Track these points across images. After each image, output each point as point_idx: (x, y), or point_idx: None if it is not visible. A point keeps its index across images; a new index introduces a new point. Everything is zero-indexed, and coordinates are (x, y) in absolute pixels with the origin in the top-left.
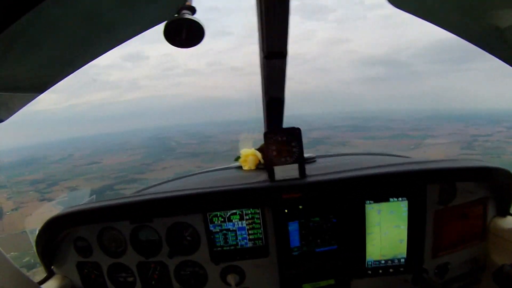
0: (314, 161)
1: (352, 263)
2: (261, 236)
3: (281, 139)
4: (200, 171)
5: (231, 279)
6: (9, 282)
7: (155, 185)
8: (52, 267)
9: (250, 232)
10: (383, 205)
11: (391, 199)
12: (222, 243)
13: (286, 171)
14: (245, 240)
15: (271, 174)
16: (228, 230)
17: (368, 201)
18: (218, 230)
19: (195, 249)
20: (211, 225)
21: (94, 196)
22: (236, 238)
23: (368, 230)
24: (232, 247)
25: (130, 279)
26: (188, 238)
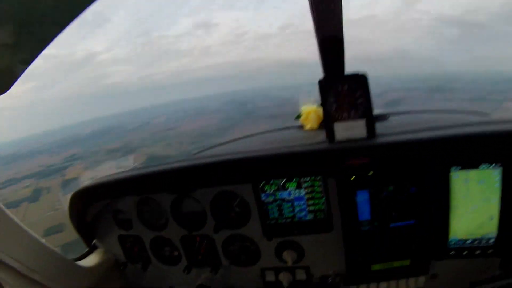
0: (387, 118)
1: (433, 241)
2: (323, 207)
3: (342, 88)
4: (257, 132)
5: (287, 256)
6: (42, 262)
7: (205, 150)
8: (95, 241)
9: (309, 202)
10: (472, 173)
11: (481, 166)
12: (276, 215)
13: (349, 129)
14: (304, 212)
15: (330, 133)
16: (283, 200)
17: (454, 168)
18: (271, 200)
19: (244, 222)
20: (263, 195)
21: (136, 165)
22: (293, 210)
23: (453, 203)
24: (288, 220)
25: (176, 253)
26: (237, 209)
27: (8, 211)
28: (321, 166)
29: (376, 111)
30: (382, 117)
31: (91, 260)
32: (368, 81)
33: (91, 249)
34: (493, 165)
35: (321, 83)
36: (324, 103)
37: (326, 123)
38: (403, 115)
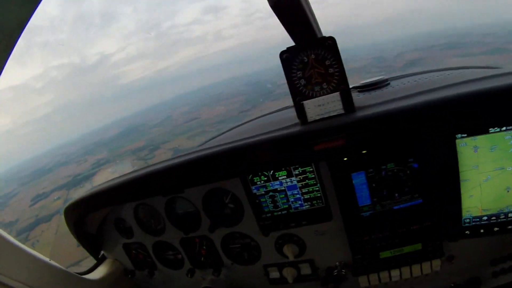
0: (387, 84)
1: (445, 222)
2: (319, 195)
3: (307, 58)
4: (256, 117)
5: (288, 250)
6: (48, 282)
7: (207, 141)
8: (102, 252)
9: (303, 190)
10: (481, 139)
11: (491, 130)
12: (270, 208)
13: (323, 106)
14: (300, 202)
15: (301, 113)
16: (276, 191)
17: (459, 135)
18: (263, 193)
19: (239, 219)
20: (253, 187)
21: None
22: (288, 200)
23: (462, 176)
24: (284, 212)
25: (179, 256)
26: (230, 205)
27: (7, 235)
28: (294, 153)
29: (376, 77)
30: (382, 84)
31: (99, 272)
32: (338, 46)
33: (100, 261)
34: (505, 127)
35: (282, 55)
36: (289, 79)
37: (295, 102)
38: (404, 79)
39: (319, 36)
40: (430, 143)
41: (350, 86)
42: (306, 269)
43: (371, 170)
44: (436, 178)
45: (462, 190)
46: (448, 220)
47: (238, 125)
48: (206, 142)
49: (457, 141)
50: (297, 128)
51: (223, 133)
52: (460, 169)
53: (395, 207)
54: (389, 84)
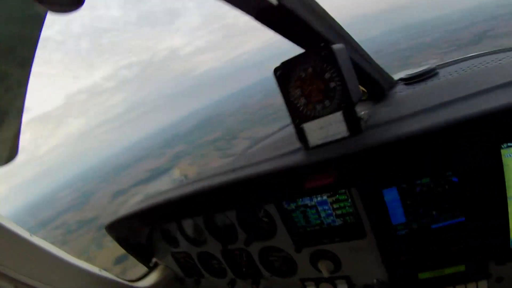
0: (435, 73)
1: (490, 241)
2: (351, 211)
3: (305, 73)
4: (277, 129)
5: (322, 266)
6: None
7: (250, 147)
8: (154, 259)
9: (335, 206)
10: None
11: None
12: (303, 223)
13: (325, 128)
14: (332, 217)
15: (301, 137)
16: (306, 206)
17: (505, 145)
18: (294, 208)
19: (273, 233)
20: (284, 202)
21: (183, 178)
22: (319, 216)
23: (510, 192)
24: (317, 227)
25: (223, 265)
26: (265, 219)
27: (56, 249)
28: (293, 187)
29: (423, 67)
30: (429, 74)
31: (151, 279)
32: (336, 55)
33: (151, 268)
34: None
35: (276, 71)
36: (287, 99)
37: (295, 126)
38: (453, 66)
39: (333, 40)
40: (471, 153)
41: (397, 78)
42: (342, 285)
43: (404, 185)
44: (479, 194)
45: (510, 209)
46: (494, 241)
47: (270, 135)
48: (250, 147)
49: (502, 151)
50: (296, 158)
51: (257, 143)
52: (507, 183)
53: (434, 226)
54: (437, 74)
